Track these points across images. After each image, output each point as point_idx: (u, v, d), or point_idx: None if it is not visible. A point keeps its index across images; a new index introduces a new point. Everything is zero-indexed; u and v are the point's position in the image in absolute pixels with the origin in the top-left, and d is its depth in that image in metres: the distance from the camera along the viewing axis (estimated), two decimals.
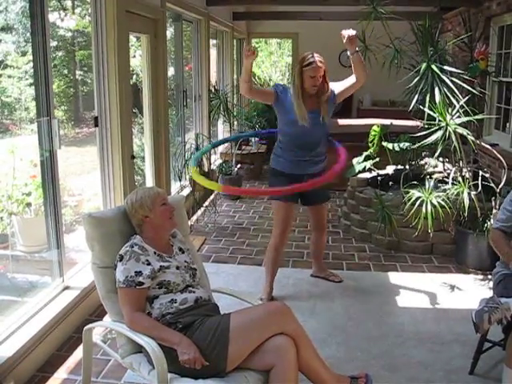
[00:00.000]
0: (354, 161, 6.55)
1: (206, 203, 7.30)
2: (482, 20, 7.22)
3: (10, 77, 4.70)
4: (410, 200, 4.69)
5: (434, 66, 4.58)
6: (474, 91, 4.81)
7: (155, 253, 2.86)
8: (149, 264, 2.78)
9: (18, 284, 4.39)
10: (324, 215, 4.76)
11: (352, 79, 4.27)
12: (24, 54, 4.62)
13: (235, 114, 9.07)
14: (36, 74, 3.78)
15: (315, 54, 4.10)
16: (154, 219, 2.92)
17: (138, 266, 2.75)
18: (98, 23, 4.46)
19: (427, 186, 4.70)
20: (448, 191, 4.69)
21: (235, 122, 9.49)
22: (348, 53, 4.11)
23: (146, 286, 2.75)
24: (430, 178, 5.60)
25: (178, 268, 2.89)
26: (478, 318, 3.16)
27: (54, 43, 5.48)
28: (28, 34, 4.06)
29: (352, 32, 3.98)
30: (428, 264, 5.40)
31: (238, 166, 8.78)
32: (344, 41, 4.01)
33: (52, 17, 5.01)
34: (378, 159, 6.42)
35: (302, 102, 4.13)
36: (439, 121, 4.49)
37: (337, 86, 4.32)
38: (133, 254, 2.78)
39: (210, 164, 7.42)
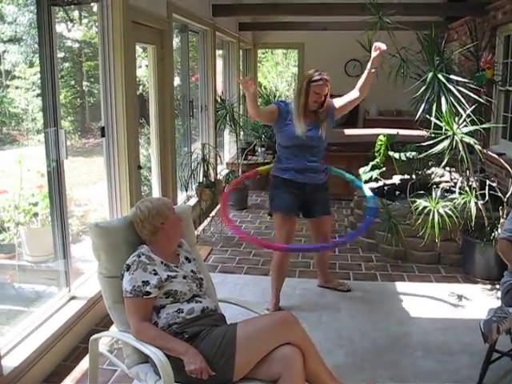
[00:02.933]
0: (361, 170, 6.54)
1: (213, 213, 7.30)
2: (488, 29, 7.22)
3: (17, 87, 4.73)
4: (416, 209, 4.67)
5: (440, 76, 4.57)
6: (480, 100, 4.80)
7: (162, 262, 2.86)
8: (156, 274, 2.78)
9: (24, 294, 4.39)
10: (327, 229, 4.68)
11: (354, 94, 4.37)
12: (31, 64, 4.64)
13: (241, 124, 9.07)
14: (43, 85, 3.81)
15: (322, 72, 4.18)
16: (170, 227, 2.93)
17: (145, 276, 2.75)
18: (105, 34, 4.49)
19: (434, 196, 4.67)
20: (455, 201, 4.66)
21: (241, 132, 9.49)
22: (369, 65, 4.21)
23: (152, 296, 2.74)
24: (437, 187, 5.58)
25: (184, 277, 2.89)
26: (487, 327, 3.14)
27: (61, 54, 5.51)
28: (36, 45, 4.08)
29: (385, 47, 4.13)
30: (435, 274, 5.38)
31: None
32: (375, 54, 4.14)
33: (59, 28, 5.04)
34: (384, 169, 6.42)
35: (302, 116, 4.21)
36: (446, 130, 4.48)
37: (337, 102, 4.40)
38: (140, 263, 2.78)
39: (217, 174, 7.41)
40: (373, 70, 4.22)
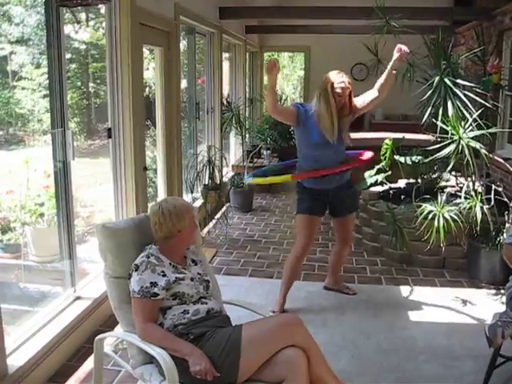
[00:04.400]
0: (366, 174, 6.53)
1: (218, 215, 7.31)
2: (495, 34, 7.22)
3: (24, 88, 4.75)
4: (422, 214, 4.66)
5: (446, 80, 4.57)
6: (486, 105, 4.80)
7: (170, 264, 2.86)
8: (164, 275, 2.78)
9: (29, 294, 4.41)
10: (351, 226, 4.75)
11: (373, 94, 4.29)
12: (38, 65, 4.66)
13: (247, 126, 9.08)
14: (51, 86, 3.82)
15: (344, 75, 4.14)
16: (185, 235, 2.92)
17: (153, 277, 2.75)
18: (112, 35, 4.50)
19: (439, 200, 4.67)
20: (460, 205, 4.66)
21: (247, 135, 9.50)
22: (390, 66, 4.13)
23: (160, 298, 2.74)
24: (443, 191, 5.57)
25: (192, 280, 2.89)
26: (492, 332, 3.14)
27: (67, 55, 5.52)
28: (43, 46, 4.10)
29: (407, 49, 4.06)
30: (440, 278, 5.36)
31: None
32: (397, 55, 4.06)
33: (66, 29, 5.06)
34: (390, 173, 6.40)
35: (335, 112, 4.15)
36: (452, 134, 4.48)
37: (357, 101, 4.33)
38: (149, 264, 2.78)
39: (222, 176, 7.42)
40: (394, 71, 4.15)
